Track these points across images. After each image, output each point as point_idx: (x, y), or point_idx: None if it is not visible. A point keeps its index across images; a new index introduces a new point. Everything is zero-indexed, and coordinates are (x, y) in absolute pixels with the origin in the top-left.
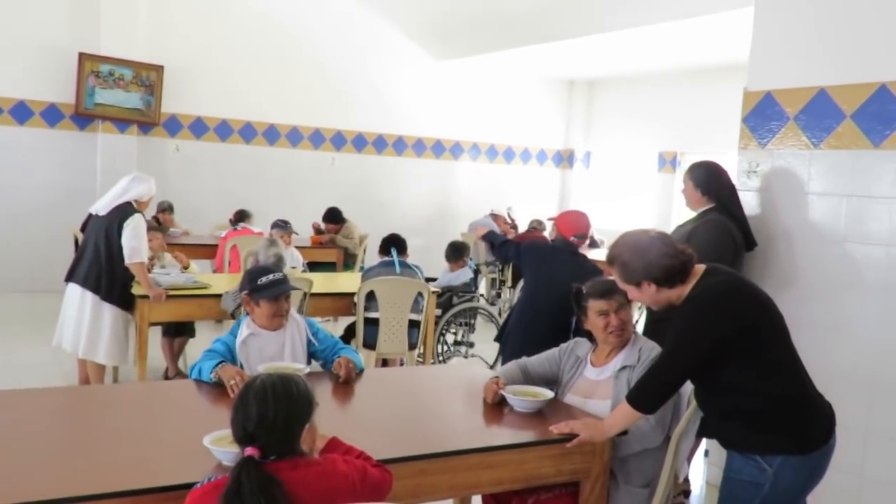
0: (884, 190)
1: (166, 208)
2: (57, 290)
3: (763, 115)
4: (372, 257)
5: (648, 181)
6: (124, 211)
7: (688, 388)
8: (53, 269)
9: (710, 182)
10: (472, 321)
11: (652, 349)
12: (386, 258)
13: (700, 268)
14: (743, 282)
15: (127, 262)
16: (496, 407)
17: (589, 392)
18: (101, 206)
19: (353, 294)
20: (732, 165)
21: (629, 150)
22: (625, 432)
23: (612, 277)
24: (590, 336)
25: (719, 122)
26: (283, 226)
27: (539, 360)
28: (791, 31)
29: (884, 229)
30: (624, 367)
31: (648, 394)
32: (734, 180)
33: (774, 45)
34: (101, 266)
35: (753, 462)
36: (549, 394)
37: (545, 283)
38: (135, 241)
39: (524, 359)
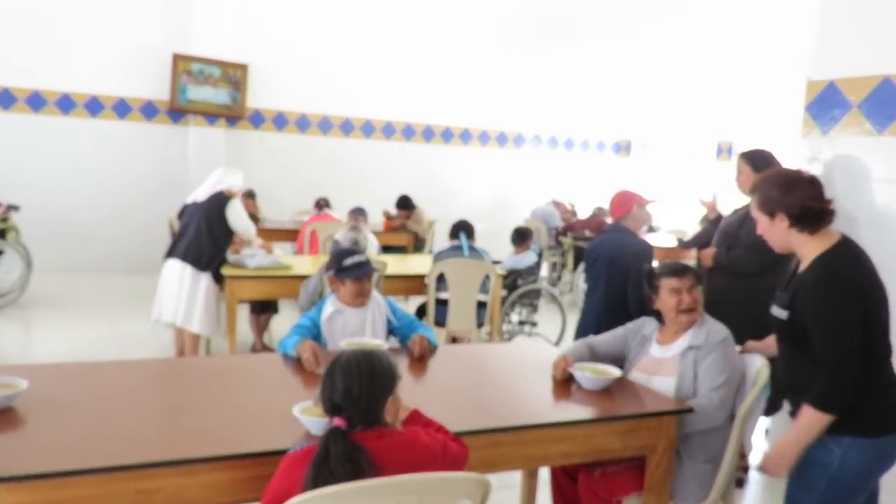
0: None
1: (249, 195)
2: (153, 270)
3: (825, 104)
4: (440, 241)
5: (706, 169)
6: (221, 198)
7: (753, 367)
8: (150, 252)
9: (769, 167)
10: (536, 302)
11: (720, 331)
12: (455, 242)
13: (836, 234)
14: (872, 264)
15: (247, 238)
16: (564, 383)
17: (653, 369)
18: (200, 194)
19: (423, 275)
20: (787, 153)
21: (687, 140)
22: (690, 410)
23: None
24: (657, 316)
25: (775, 111)
26: (358, 213)
27: (605, 339)
28: (856, 22)
29: None
30: (691, 347)
31: (838, 391)
32: (795, 167)
33: (838, 35)
34: (200, 242)
35: (820, 441)
36: (617, 372)
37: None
38: (245, 220)
39: (591, 337)
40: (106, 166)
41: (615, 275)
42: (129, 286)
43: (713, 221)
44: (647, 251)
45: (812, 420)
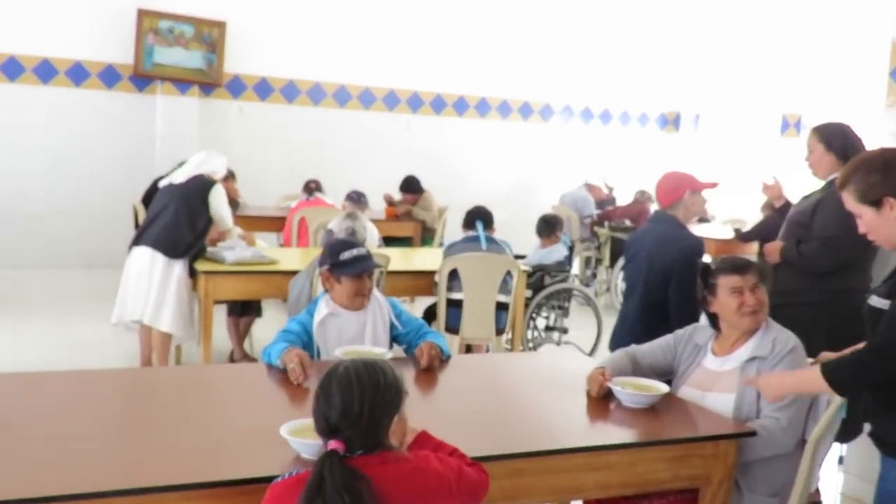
0: None
1: (228, 176)
2: (115, 264)
3: None
4: (452, 232)
5: (770, 147)
6: (204, 182)
7: None
8: (111, 243)
9: (848, 146)
10: (566, 304)
11: (788, 339)
12: (471, 233)
13: None
14: None
15: (224, 228)
16: (601, 401)
17: (708, 384)
18: (177, 177)
19: (432, 272)
20: (868, 128)
21: (747, 112)
22: (752, 433)
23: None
24: (712, 322)
25: (852, 77)
26: (356, 199)
27: (650, 349)
28: None
29: None
30: (753, 358)
31: (856, 373)
32: (879, 142)
33: None
34: (178, 229)
35: None
36: (664, 387)
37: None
38: (226, 208)
39: (633, 347)
40: (58, 142)
41: (655, 275)
42: (86, 283)
43: (779, 210)
44: (695, 248)
45: (812, 381)
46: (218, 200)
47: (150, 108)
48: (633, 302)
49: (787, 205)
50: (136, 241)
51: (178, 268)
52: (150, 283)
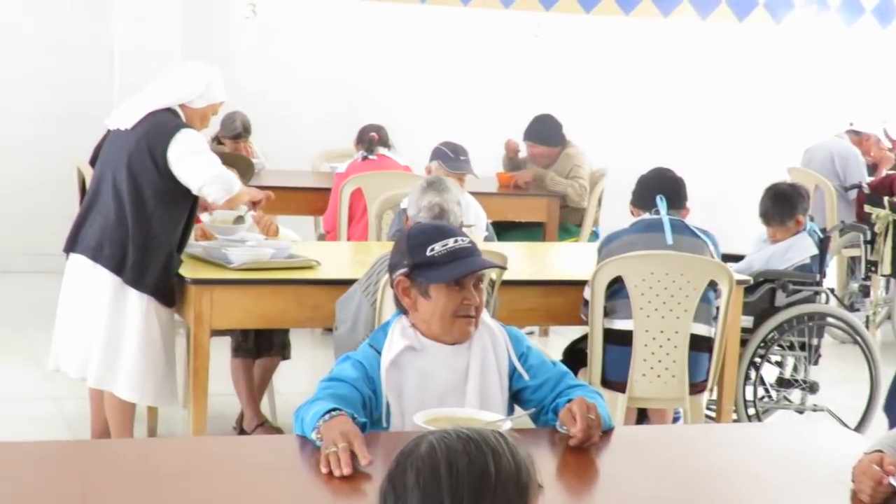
0: None
1: (240, 132)
2: (54, 270)
3: None
4: (613, 214)
5: None
6: (160, 126)
7: None
8: (46, 234)
9: None
10: (816, 341)
11: None
12: (646, 216)
13: None
14: None
15: (221, 204)
16: None
17: None
18: (124, 117)
19: (581, 283)
20: None
21: None
22: None
23: None
24: None
25: None
26: (451, 156)
27: None
28: None
29: None
30: None
31: None
32: None
33: None
34: (124, 224)
35: None
36: None
37: None
38: (203, 167)
39: None
40: None
41: None
42: (5, 303)
43: None
44: None
45: None
46: (182, 161)
47: (104, 9)
48: None
49: None
50: (71, 245)
51: (136, 297)
52: (97, 320)
